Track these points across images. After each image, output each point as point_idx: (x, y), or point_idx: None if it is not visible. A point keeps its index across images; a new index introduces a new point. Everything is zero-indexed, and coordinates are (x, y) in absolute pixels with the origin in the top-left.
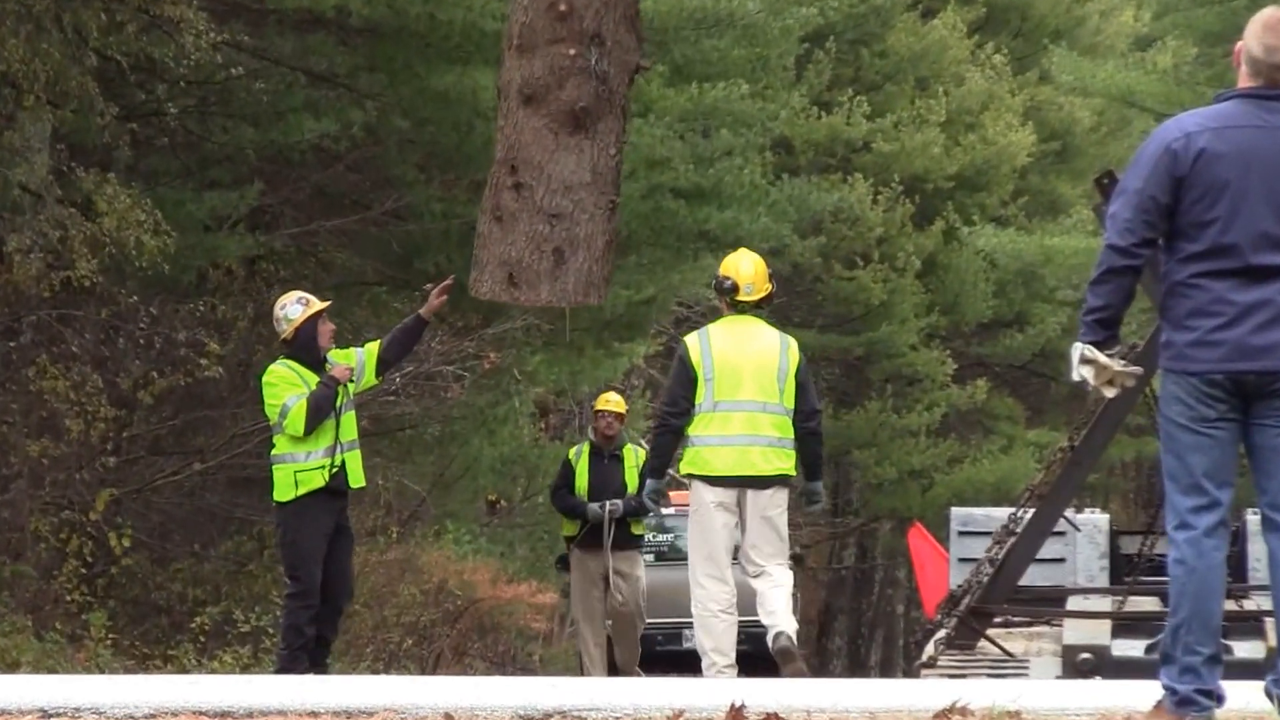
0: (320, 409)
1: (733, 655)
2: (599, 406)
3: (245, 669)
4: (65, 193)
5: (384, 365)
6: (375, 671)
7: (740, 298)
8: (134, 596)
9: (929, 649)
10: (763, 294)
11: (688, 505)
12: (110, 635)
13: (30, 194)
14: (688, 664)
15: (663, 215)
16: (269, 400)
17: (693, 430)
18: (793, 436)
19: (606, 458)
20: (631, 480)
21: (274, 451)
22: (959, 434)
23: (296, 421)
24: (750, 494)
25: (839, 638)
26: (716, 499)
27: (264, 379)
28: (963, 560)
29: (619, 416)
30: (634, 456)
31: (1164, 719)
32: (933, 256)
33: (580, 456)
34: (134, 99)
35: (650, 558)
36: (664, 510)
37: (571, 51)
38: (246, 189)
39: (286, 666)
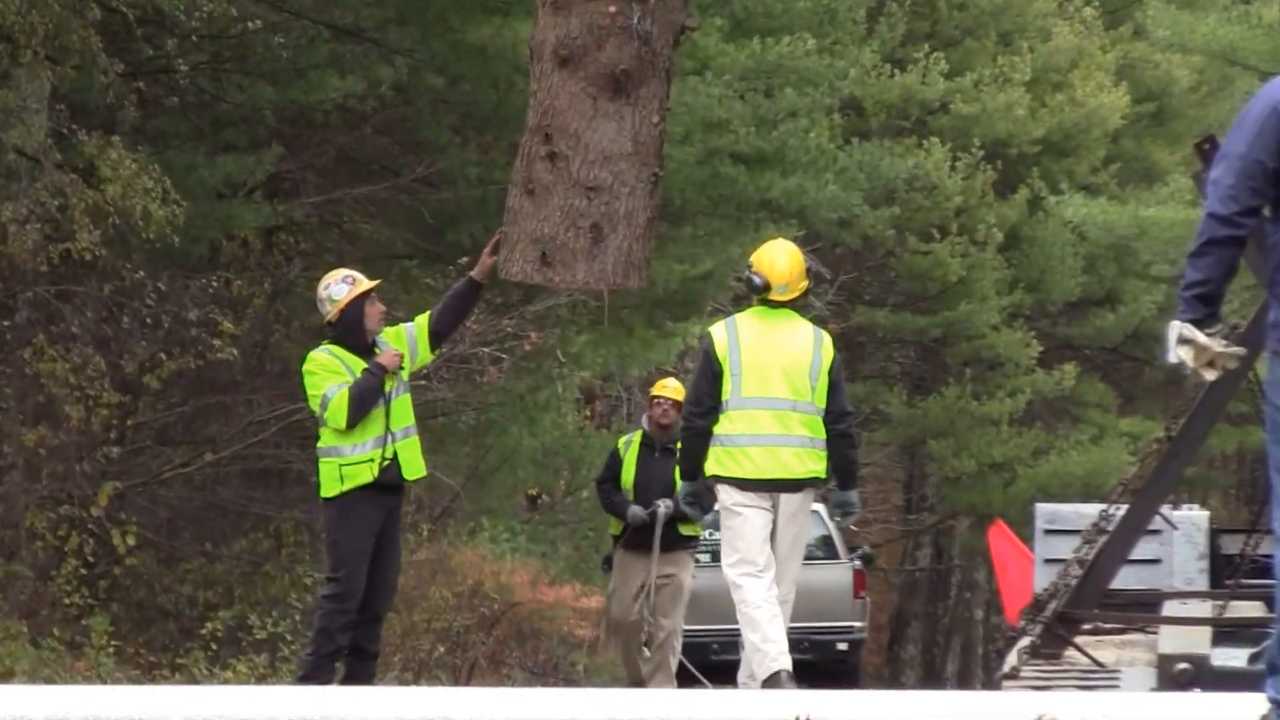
0: (364, 400)
1: (784, 643)
2: (656, 392)
3: (261, 679)
4: (65, 157)
5: (437, 338)
6: (404, 682)
7: (772, 298)
8: (139, 600)
9: (1011, 658)
10: (796, 294)
11: None
12: (113, 642)
13: (27, 159)
14: None
15: (721, 183)
16: (310, 390)
17: (718, 429)
18: (824, 438)
19: (658, 451)
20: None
21: (319, 444)
22: (1044, 423)
23: (338, 414)
24: (783, 498)
25: (912, 645)
26: (749, 503)
27: (304, 367)
28: (1048, 561)
29: (677, 405)
30: None
31: None
32: (1016, 229)
33: (630, 447)
34: (141, 54)
35: (706, 557)
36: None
37: (611, 9)
38: (264, 153)
39: (312, 674)
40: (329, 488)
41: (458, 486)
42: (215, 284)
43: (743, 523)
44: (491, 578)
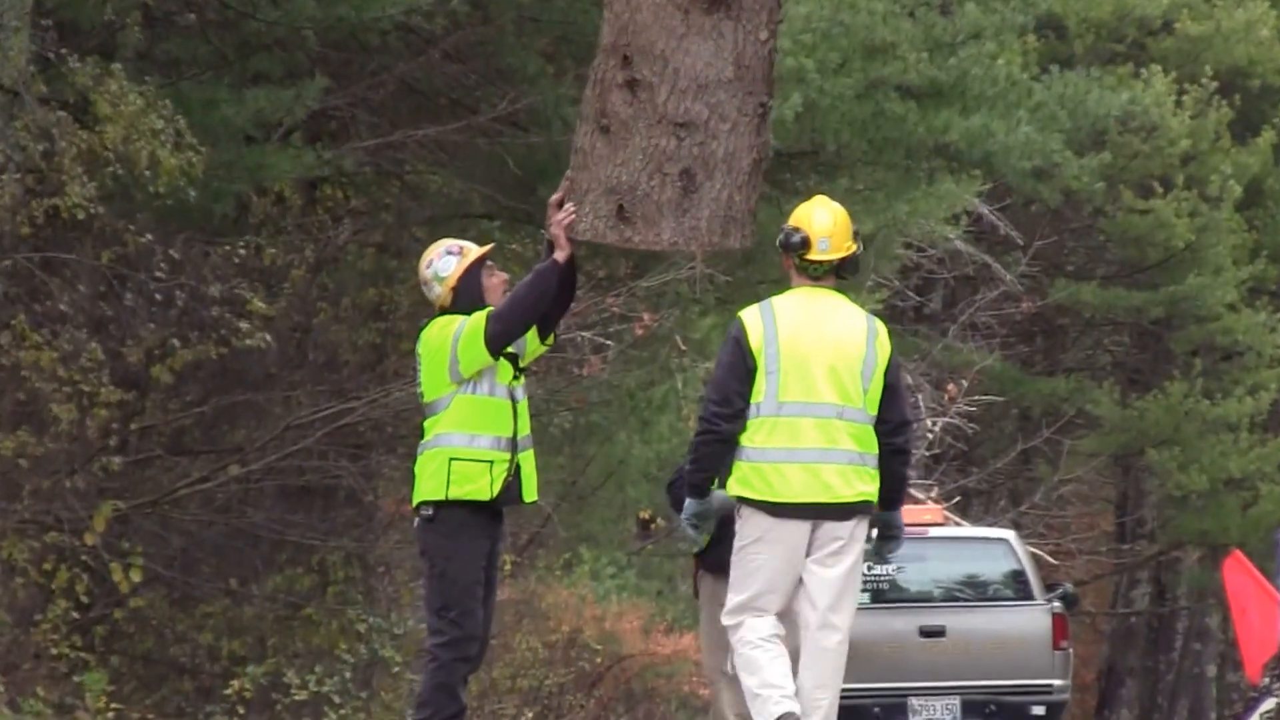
0: (528, 302)
1: (789, 687)
2: None
3: None
4: (52, 89)
5: (547, 325)
6: None
7: (813, 257)
8: (145, 652)
9: None
10: (843, 253)
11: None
12: (113, 705)
13: (5, 91)
14: None
15: (885, 123)
16: (436, 355)
17: (745, 439)
18: (875, 453)
19: None
20: None
21: (423, 439)
22: None
23: (480, 324)
24: (826, 527)
25: (1126, 710)
26: (780, 536)
27: (421, 341)
28: None
29: None
30: None
31: None
32: (1259, 181)
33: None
34: None
35: (865, 598)
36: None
37: None
38: (305, 86)
39: None
40: (432, 487)
41: (550, 508)
42: (243, 251)
43: (766, 561)
44: (593, 624)
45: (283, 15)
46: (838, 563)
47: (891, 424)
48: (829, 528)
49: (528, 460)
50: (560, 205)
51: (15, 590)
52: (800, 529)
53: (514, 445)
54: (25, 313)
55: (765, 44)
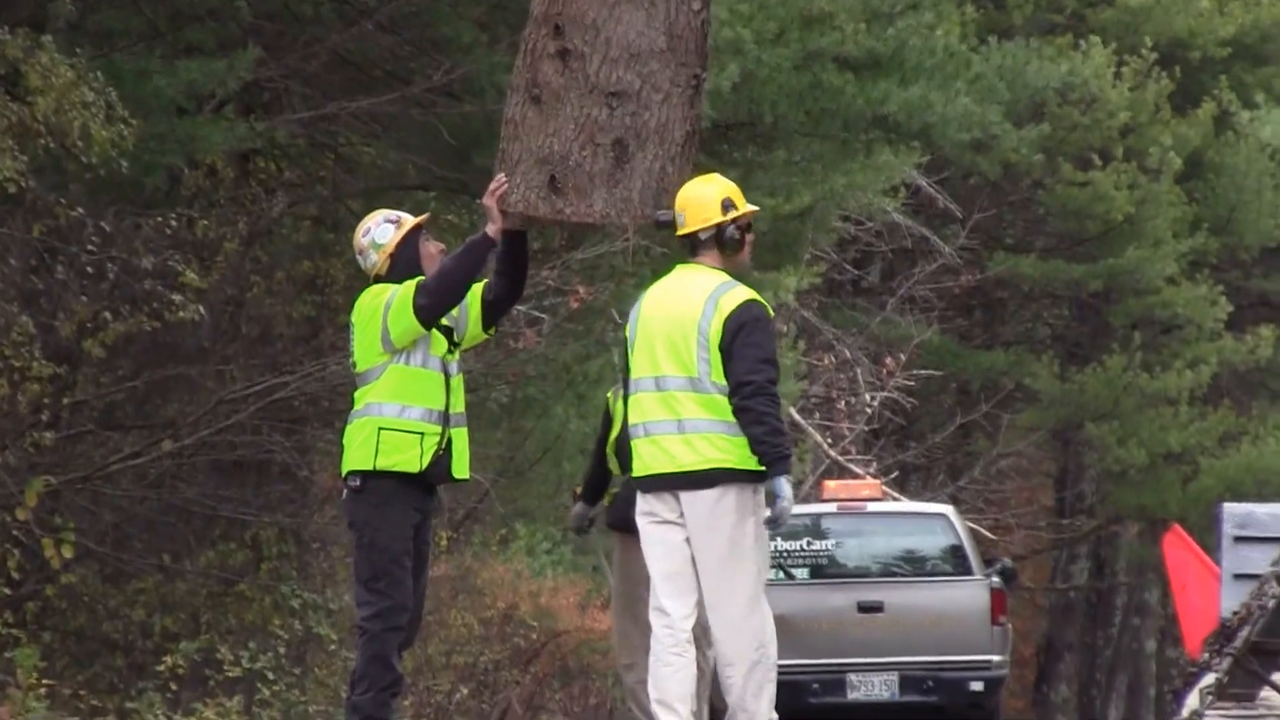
0: (456, 275)
1: (684, 708)
2: None
3: None
4: None
5: (492, 310)
6: None
7: (679, 233)
8: (77, 627)
9: (1192, 700)
10: (697, 226)
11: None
12: (44, 681)
13: None
14: None
15: (822, 94)
16: (367, 325)
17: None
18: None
19: None
20: None
21: (354, 408)
22: (1235, 402)
23: (410, 294)
24: (685, 500)
25: (1065, 685)
26: (645, 508)
27: (355, 310)
28: (1239, 577)
29: None
30: None
31: None
32: (1199, 153)
33: (618, 398)
34: None
35: (803, 573)
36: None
37: None
38: (237, 56)
39: (372, 716)
40: (360, 456)
41: (486, 483)
42: (175, 224)
43: (644, 541)
44: (528, 599)
45: None
46: (711, 535)
47: (732, 385)
48: (689, 499)
49: (460, 437)
50: (498, 191)
51: None
52: (665, 502)
53: (446, 419)
54: None
55: (698, 14)
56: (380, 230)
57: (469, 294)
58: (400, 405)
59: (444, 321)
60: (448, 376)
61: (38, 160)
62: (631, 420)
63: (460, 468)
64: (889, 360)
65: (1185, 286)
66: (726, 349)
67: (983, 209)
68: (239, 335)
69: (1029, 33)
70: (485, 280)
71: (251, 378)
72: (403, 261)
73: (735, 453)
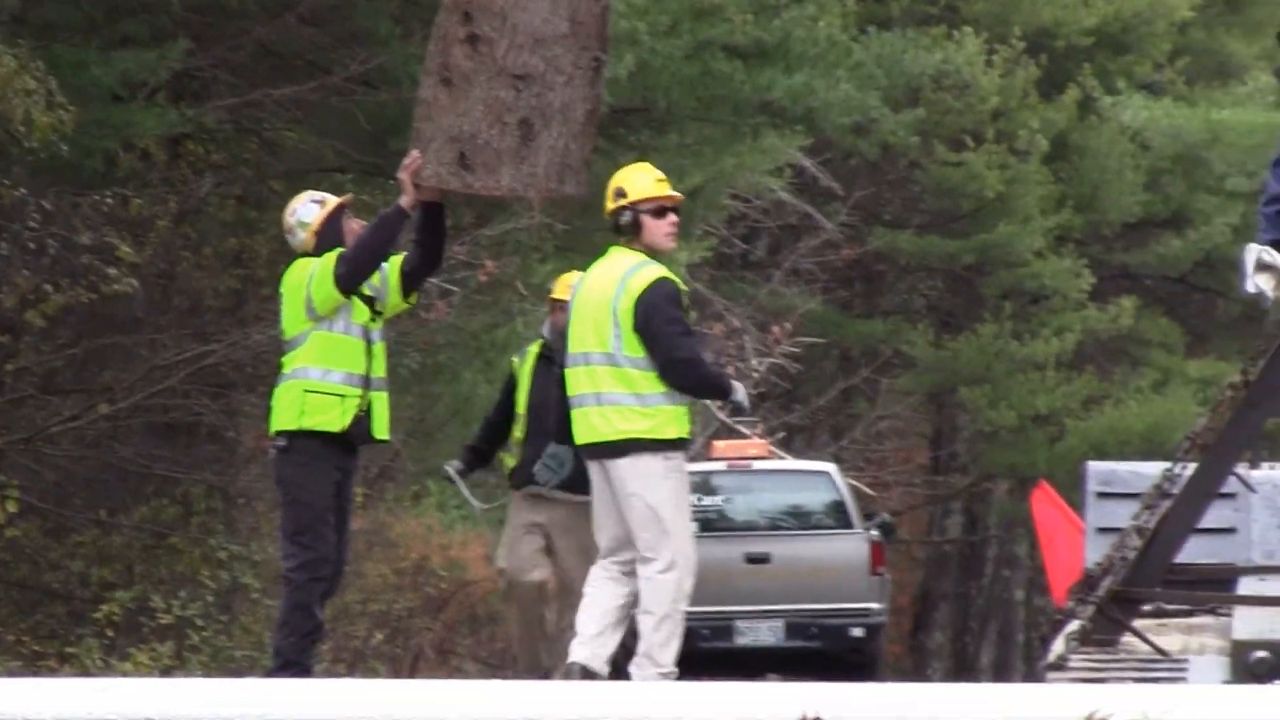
0: (370, 246)
1: (585, 633)
2: (557, 294)
3: (167, 671)
4: None
5: (410, 280)
6: (335, 675)
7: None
8: (20, 578)
9: (1058, 646)
10: (607, 213)
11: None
12: None
13: None
14: (743, 664)
15: (713, 81)
16: (293, 295)
17: None
18: (658, 392)
19: (559, 364)
20: None
21: (283, 370)
22: (1098, 367)
23: (330, 265)
24: (608, 465)
25: (940, 632)
26: (591, 474)
27: (282, 282)
28: (1102, 530)
29: None
30: None
31: None
32: (1064, 136)
33: (525, 360)
34: None
35: (695, 527)
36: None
37: None
38: (168, 47)
39: (294, 659)
40: (287, 417)
41: (398, 444)
42: (111, 203)
43: (594, 500)
44: (439, 552)
45: None
46: (630, 499)
47: (660, 365)
48: (610, 466)
49: (380, 400)
50: (413, 167)
51: None
52: (596, 469)
53: (367, 383)
54: None
55: (599, 1)
56: (306, 210)
57: (390, 266)
58: (324, 369)
59: (366, 291)
60: (369, 343)
61: None
62: (569, 394)
63: (380, 429)
64: (775, 329)
65: (1051, 260)
66: (642, 329)
67: (862, 188)
68: (170, 307)
69: (906, 23)
70: (404, 253)
71: (182, 346)
72: (327, 238)
73: (645, 423)
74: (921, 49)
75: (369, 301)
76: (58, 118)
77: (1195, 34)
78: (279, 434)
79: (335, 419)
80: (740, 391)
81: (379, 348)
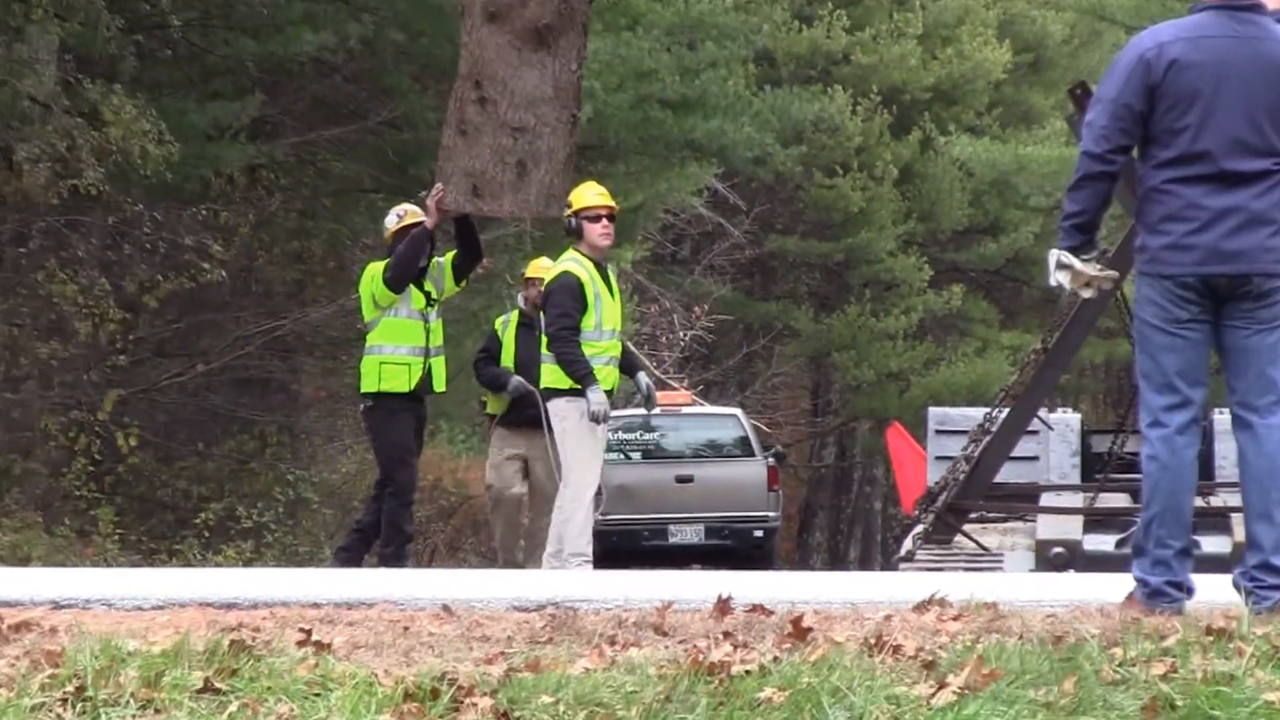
0: (405, 258)
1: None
2: (529, 274)
3: (248, 562)
4: (72, 103)
5: (458, 271)
6: (373, 565)
7: None
8: (140, 493)
9: (907, 544)
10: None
11: (673, 404)
12: (117, 530)
13: (39, 105)
14: (673, 558)
15: (650, 125)
16: (364, 292)
17: None
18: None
19: (537, 329)
20: None
21: (366, 347)
22: (935, 337)
23: (380, 272)
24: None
25: (819, 533)
26: None
27: (358, 281)
28: (939, 458)
29: None
30: None
31: (1135, 610)
32: (910, 165)
33: (508, 327)
34: (139, 12)
35: (637, 455)
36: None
37: None
38: (247, 99)
39: (389, 562)
40: (368, 382)
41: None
42: (205, 214)
43: None
44: (449, 474)
45: (232, 51)
46: (550, 436)
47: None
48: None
49: (438, 363)
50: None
51: (49, 451)
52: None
53: (427, 352)
54: (55, 259)
55: (575, 72)
56: (390, 217)
57: (445, 261)
58: (393, 345)
59: (426, 286)
60: (426, 322)
61: (111, 171)
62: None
63: (439, 384)
64: (696, 309)
65: (900, 258)
66: (544, 308)
67: (760, 204)
68: (249, 292)
69: (792, 82)
70: (454, 251)
71: (258, 321)
72: (397, 242)
73: (554, 376)
74: (804, 101)
75: (427, 293)
76: (166, 151)
77: (1007, 90)
78: (365, 395)
79: (404, 382)
80: (593, 399)
81: (435, 325)
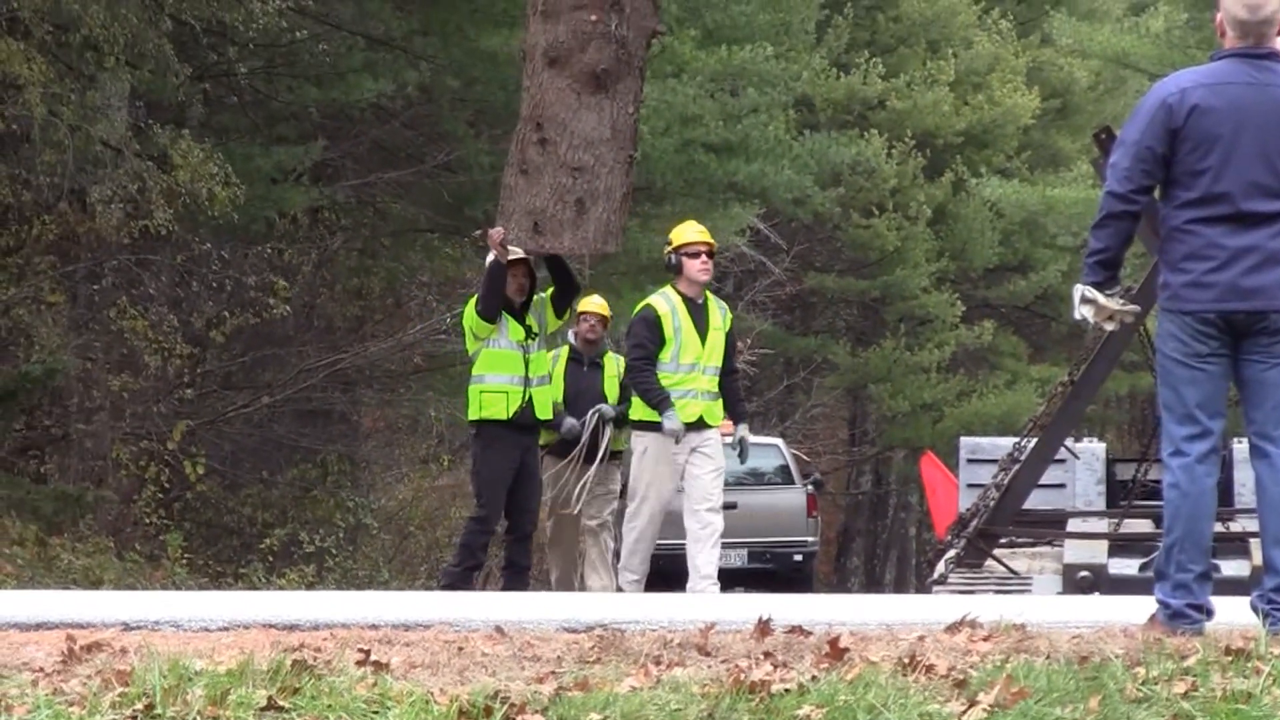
0: (484, 290)
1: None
2: (581, 308)
3: (310, 586)
4: (143, 147)
5: (558, 305)
6: (429, 589)
7: None
8: (207, 519)
9: (940, 567)
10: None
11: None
12: (185, 555)
13: (111, 149)
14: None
15: (694, 168)
16: (465, 326)
17: None
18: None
19: (586, 364)
20: (611, 389)
21: (471, 376)
22: (967, 370)
23: (471, 304)
24: None
25: (856, 557)
26: None
27: (460, 318)
28: (971, 486)
29: (603, 320)
30: (615, 365)
31: (1158, 631)
32: (943, 206)
33: (559, 362)
34: (206, 60)
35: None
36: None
37: (593, 17)
38: (310, 144)
39: (454, 584)
40: (471, 410)
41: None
42: (270, 253)
43: None
44: None
45: (295, 98)
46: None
47: None
48: None
49: (540, 393)
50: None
51: (120, 479)
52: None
53: (527, 381)
54: (126, 295)
55: (632, 115)
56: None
57: (546, 297)
58: (494, 375)
59: (528, 320)
60: (525, 353)
61: (180, 212)
62: None
63: (543, 411)
64: (740, 343)
65: (934, 294)
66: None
67: (800, 243)
68: (312, 327)
69: (830, 127)
70: (552, 289)
71: (320, 355)
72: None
73: (635, 406)
74: (841, 145)
75: (527, 327)
76: (233, 193)
77: (1035, 134)
78: (470, 423)
79: (502, 409)
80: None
81: (536, 355)
